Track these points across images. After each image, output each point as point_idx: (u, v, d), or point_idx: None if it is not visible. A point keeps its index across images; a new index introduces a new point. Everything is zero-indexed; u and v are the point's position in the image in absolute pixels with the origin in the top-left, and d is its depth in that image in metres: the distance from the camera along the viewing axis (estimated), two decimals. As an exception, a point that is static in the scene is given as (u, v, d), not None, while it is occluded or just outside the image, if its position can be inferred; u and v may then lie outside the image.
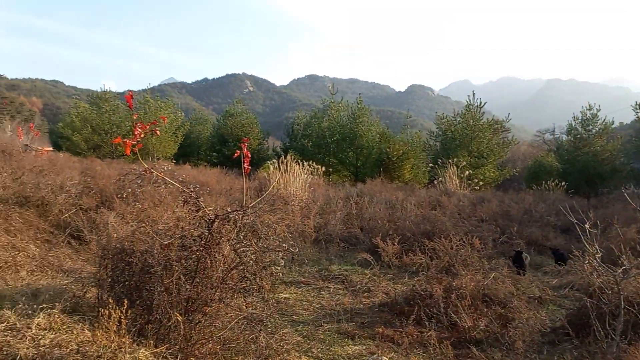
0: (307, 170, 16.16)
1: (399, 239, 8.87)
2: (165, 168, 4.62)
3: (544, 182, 21.71)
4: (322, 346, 5.26)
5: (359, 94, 33.34)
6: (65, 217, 10.18)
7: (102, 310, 3.70)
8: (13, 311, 4.02)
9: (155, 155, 34.75)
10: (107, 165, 22.46)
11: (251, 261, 4.81)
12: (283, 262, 5.07)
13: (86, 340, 3.60)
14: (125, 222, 6.24)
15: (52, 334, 3.67)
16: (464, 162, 21.12)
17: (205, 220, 4.75)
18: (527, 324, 5.53)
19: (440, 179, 18.79)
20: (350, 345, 5.32)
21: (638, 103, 29.41)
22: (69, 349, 3.41)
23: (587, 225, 5.52)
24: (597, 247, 5.42)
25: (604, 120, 30.05)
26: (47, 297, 4.48)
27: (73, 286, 5.03)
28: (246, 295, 4.84)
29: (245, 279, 4.81)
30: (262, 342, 4.57)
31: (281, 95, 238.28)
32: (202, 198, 4.79)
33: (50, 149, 33.35)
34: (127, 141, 4.07)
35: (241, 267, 4.86)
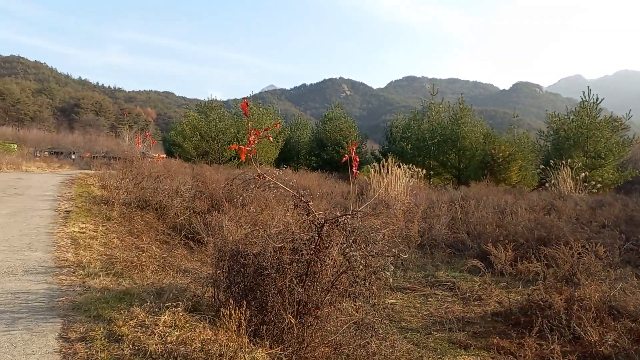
0: (407, 173, 15.89)
1: (513, 246, 8.37)
2: (277, 173, 4.70)
3: (673, 184, 19.61)
4: (434, 355, 5.08)
5: (461, 94, 32.30)
6: (181, 219, 10.83)
7: (223, 310, 3.83)
8: (142, 308, 4.29)
9: (258, 161, 36.02)
10: (215, 170, 23.65)
11: (361, 266, 4.76)
12: (392, 267, 4.96)
13: (208, 338, 3.75)
14: (238, 225, 6.47)
15: (177, 331, 3.87)
16: (579, 163, 19.67)
17: (315, 224, 4.78)
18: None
19: (552, 181, 17.63)
20: (463, 356, 5.10)
21: None
22: (193, 347, 3.57)
23: None
24: None
25: None
26: (171, 296, 4.74)
27: (192, 286, 5.28)
28: (356, 300, 4.79)
29: (355, 283, 4.77)
30: (373, 348, 4.50)
31: (378, 98, 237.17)
32: (311, 202, 4.83)
33: (164, 155, 35.86)
34: (243, 148, 4.20)
35: (350, 272, 4.82)
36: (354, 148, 5.08)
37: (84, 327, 3.98)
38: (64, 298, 4.73)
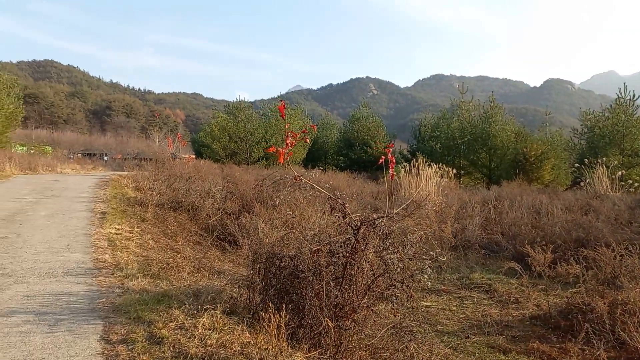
0: (437, 172, 15.68)
1: (552, 248, 8.16)
2: (313, 175, 4.68)
3: None
4: (473, 360, 4.98)
5: (491, 91, 31.78)
6: (213, 221, 10.92)
7: (263, 314, 3.81)
8: (180, 310, 4.32)
9: (287, 161, 36.06)
10: (244, 171, 23.80)
11: (398, 269, 4.69)
12: (430, 270, 4.88)
13: (247, 342, 3.74)
14: (273, 227, 6.48)
15: (216, 334, 3.87)
16: (615, 162, 19.12)
17: (351, 227, 4.73)
18: None
19: (587, 180, 17.17)
20: (503, 361, 4.98)
21: None
22: (233, 350, 3.57)
23: None
24: None
25: None
26: (208, 298, 4.76)
27: (228, 288, 5.30)
28: (394, 303, 4.72)
29: (392, 286, 4.71)
30: (411, 353, 4.44)
31: (405, 97, 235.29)
32: (348, 204, 4.79)
33: (194, 156, 36.28)
34: (281, 150, 4.18)
35: (387, 275, 4.77)
36: (390, 150, 5.01)
37: (124, 329, 4.02)
38: (103, 299, 4.80)
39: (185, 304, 4.52)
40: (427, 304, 7.03)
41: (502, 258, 9.34)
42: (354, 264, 4.63)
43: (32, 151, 41.33)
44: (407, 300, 4.82)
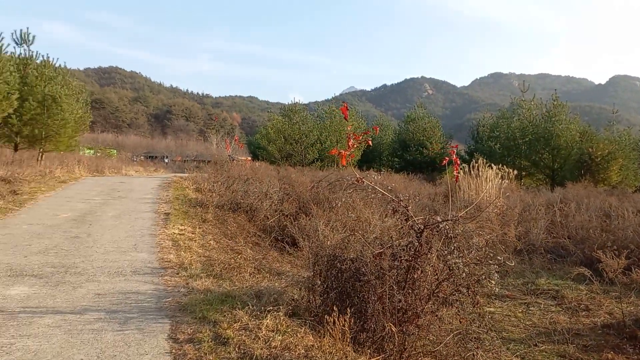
0: (497, 174, 15.20)
1: (625, 253, 7.71)
2: (374, 177, 4.61)
3: None
4: (543, 370, 4.76)
5: (554, 89, 30.55)
6: (271, 222, 11.04)
7: (327, 317, 3.79)
8: (244, 311, 4.37)
9: (348, 163, 36.07)
10: (300, 172, 23.97)
11: (463, 273, 4.56)
12: (497, 275, 4.71)
13: (311, 345, 3.73)
14: (334, 229, 6.47)
15: (280, 336, 3.89)
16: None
17: (415, 230, 4.64)
18: None
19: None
20: (576, 372, 4.73)
21: None
22: (297, 353, 3.56)
23: None
24: None
25: None
26: (270, 300, 4.80)
27: (289, 289, 5.33)
28: (460, 309, 4.59)
29: (458, 292, 4.58)
30: (478, 361, 4.30)
31: (462, 96, 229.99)
32: (410, 207, 4.70)
33: (250, 158, 36.95)
34: (343, 152, 4.15)
35: (452, 280, 4.64)
36: (454, 150, 4.87)
37: (191, 329, 4.11)
38: (170, 299, 4.93)
39: (248, 305, 4.57)
40: (491, 309, 6.81)
41: (569, 263, 8.93)
42: (417, 268, 4.54)
43: (98, 154, 43.36)
44: (473, 307, 4.68)
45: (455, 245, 4.67)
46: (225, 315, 4.35)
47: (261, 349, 3.63)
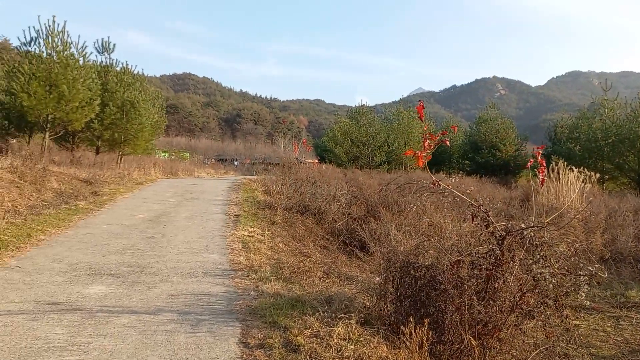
0: (578, 177, 14.28)
1: None
2: (452, 181, 4.36)
3: None
4: (641, 394, 4.30)
5: (640, 87, 28.49)
6: (339, 225, 10.93)
7: (403, 328, 3.60)
8: (315, 318, 4.25)
9: (409, 165, 35.55)
10: (367, 175, 23.73)
11: (550, 285, 4.21)
12: (588, 287, 4.33)
13: (385, 356, 3.55)
14: (407, 234, 6.24)
15: (352, 345, 3.73)
16: None
17: (496, 237, 4.34)
18: None
19: None
20: (681, 399, 4.24)
21: None
22: (371, 364, 3.39)
23: None
24: None
25: None
26: (341, 306, 4.66)
27: (360, 296, 5.16)
28: (546, 323, 4.25)
29: (543, 304, 4.24)
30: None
31: (537, 96, 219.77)
32: (491, 212, 4.40)
33: (317, 161, 37.11)
34: (419, 154, 3.94)
35: (537, 291, 4.31)
36: (540, 152, 4.51)
37: (261, 334, 4.03)
38: (240, 302, 4.91)
39: (319, 311, 4.45)
40: (575, 322, 6.31)
41: (663, 275, 8.19)
42: (499, 278, 4.24)
43: (172, 157, 45.14)
44: (561, 321, 4.32)
45: (540, 254, 4.33)
46: (295, 321, 4.25)
47: (333, 358, 3.49)
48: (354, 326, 4.08)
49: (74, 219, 9.18)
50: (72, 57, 17.00)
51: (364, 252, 9.14)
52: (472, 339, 3.94)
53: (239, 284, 5.57)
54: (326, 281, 5.92)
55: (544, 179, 4.55)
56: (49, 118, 16.65)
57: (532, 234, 4.33)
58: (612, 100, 28.36)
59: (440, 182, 4.23)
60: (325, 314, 4.41)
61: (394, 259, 4.82)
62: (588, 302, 4.63)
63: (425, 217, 6.76)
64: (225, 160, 68.94)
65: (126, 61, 22.20)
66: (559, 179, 14.03)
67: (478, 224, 4.54)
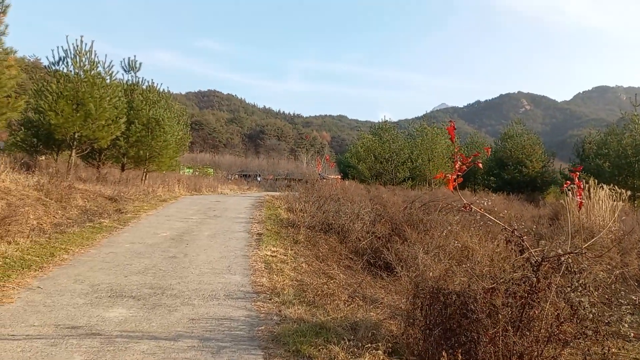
0: (609, 195, 13.80)
1: None
2: (485, 203, 4.16)
3: None
4: None
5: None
6: (363, 244, 10.71)
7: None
8: (340, 347, 4.07)
9: (433, 182, 35.14)
10: (391, 192, 23.48)
11: (590, 314, 3.96)
12: (631, 317, 4.06)
13: (415, 392, 3.34)
14: (435, 257, 6.02)
15: (379, 379, 3.53)
16: None
17: (531, 263, 4.11)
18: None
19: None
20: None
21: None
22: (400, 402, 3.19)
23: None
24: None
25: None
26: (367, 334, 4.46)
27: (387, 322, 4.96)
28: (585, 354, 3.99)
29: (583, 335, 3.98)
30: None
31: (563, 111, 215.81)
32: (526, 237, 4.18)
33: (340, 177, 36.98)
34: (450, 176, 3.76)
35: (576, 320, 4.06)
36: (577, 173, 4.28)
37: (284, 363, 3.87)
38: (262, 327, 4.75)
39: (344, 339, 4.27)
40: (613, 350, 5.97)
41: None
42: (534, 306, 4.01)
43: (197, 173, 45.50)
44: (603, 354, 4.06)
45: (579, 281, 4.09)
46: (320, 350, 4.07)
47: (360, 393, 3.30)
48: (381, 357, 3.89)
49: (97, 238, 9.18)
50: (99, 76, 17.30)
51: (388, 272, 8.91)
52: (507, 372, 3.71)
53: (261, 308, 5.42)
54: (351, 305, 5.71)
55: (581, 202, 4.29)
56: (76, 136, 16.90)
57: (570, 260, 4.11)
58: (642, 115, 27.67)
59: (472, 206, 4.02)
60: (351, 342, 4.23)
61: (422, 285, 4.62)
62: (631, 332, 4.36)
63: (454, 241, 6.52)
64: (249, 176, 69.22)
65: (152, 79, 22.59)
66: (590, 197, 13.60)
67: (512, 248, 4.33)
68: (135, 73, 21.74)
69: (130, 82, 21.69)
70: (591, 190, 13.59)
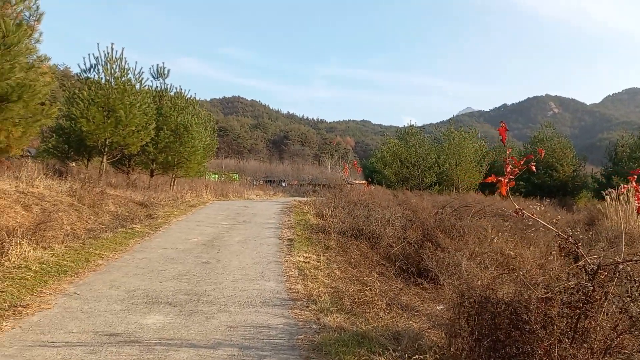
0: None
1: None
2: (537, 209, 3.97)
3: None
4: None
5: None
6: (395, 250, 10.53)
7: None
8: (384, 358, 3.92)
9: (460, 186, 34.66)
10: (419, 197, 23.19)
11: (652, 326, 3.74)
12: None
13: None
14: (481, 265, 5.82)
15: (430, 392, 3.37)
16: None
17: (586, 271, 3.91)
18: None
19: None
20: None
21: None
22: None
23: None
24: None
25: None
26: (410, 344, 4.30)
27: (430, 332, 4.78)
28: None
29: (645, 348, 3.76)
30: None
31: (592, 114, 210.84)
32: (580, 244, 3.98)
33: (366, 182, 36.76)
34: (503, 180, 3.59)
35: (636, 332, 3.85)
36: (635, 176, 4.06)
37: (328, 374, 3.74)
38: (302, 336, 4.63)
39: (388, 349, 4.11)
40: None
41: None
42: (589, 316, 3.80)
43: (222, 178, 45.82)
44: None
45: (638, 290, 3.87)
46: (364, 361, 3.93)
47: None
48: (429, 369, 3.72)
49: (130, 243, 9.21)
50: (129, 83, 17.51)
51: (422, 279, 8.71)
52: (565, 387, 3.51)
53: (299, 316, 5.30)
54: (391, 313, 5.55)
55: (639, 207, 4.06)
56: (107, 142, 17.13)
57: (629, 268, 3.89)
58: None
59: (524, 211, 3.84)
60: (396, 353, 4.07)
61: (468, 293, 4.44)
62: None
63: (503, 247, 6.30)
64: (273, 182, 69.47)
65: (180, 86, 22.85)
66: (628, 202, 13.17)
67: (564, 255, 4.13)
68: (163, 80, 22.02)
69: (158, 88, 21.93)
70: (629, 194, 13.16)
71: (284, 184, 64.86)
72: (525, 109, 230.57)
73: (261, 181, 64.91)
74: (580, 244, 3.95)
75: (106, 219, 11.30)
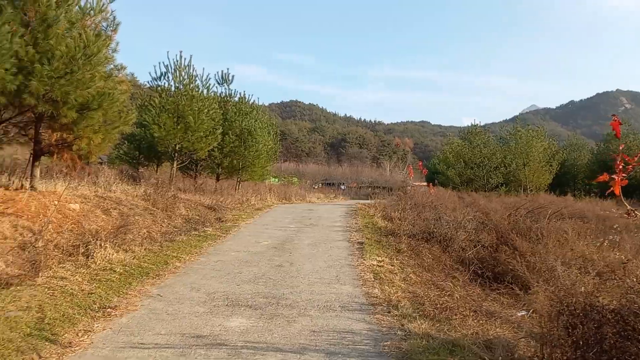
0: None
1: None
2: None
3: None
4: None
5: None
6: (470, 254, 10.16)
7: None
8: (482, 368, 3.70)
9: (529, 187, 33.34)
10: (487, 199, 22.46)
11: None
12: None
13: None
14: (582, 270, 5.46)
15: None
16: None
17: None
18: None
19: None
20: None
21: None
22: None
23: None
24: None
25: None
26: (505, 354, 4.05)
27: (524, 342, 4.50)
28: None
29: None
30: None
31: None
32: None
33: (429, 184, 36.10)
34: (617, 178, 3.31)
35: None
36: None
37: (423, 385, 3.57)
38: (388, 342, 4.48)
39: (482, 359, 3.89)
40: None
41: None
42: None
43: (282, 182, 46.32)
44: None
45: None
46: (460, 371, 3.73)
47: None
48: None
49: (204, 246, 9.37)
50: (197, 89, 17.96)
51: (498, 283, 8.33)
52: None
53: (382, 321, 5.15)
54: (479, 321, 5.29)
55: None
56: (177, 147, 17.61)
57: None
58: None
59: (635, 212, 3.52)
60: (493, 363, 3.84)
61: (568, 301, 4.14)
62: None
63: (622, 256, 5.88)
64: (332, 185, 69.50)
65: (244, 91, 23.19)
66: None
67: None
68: (228, 85, 22.44)
69: (223, 94, 22.39)
70: None
71: (343, 187, 64.78)
72: (594, 105, 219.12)
73: (320, 184, 65.09)
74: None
75: (179, 222, 11.59)
